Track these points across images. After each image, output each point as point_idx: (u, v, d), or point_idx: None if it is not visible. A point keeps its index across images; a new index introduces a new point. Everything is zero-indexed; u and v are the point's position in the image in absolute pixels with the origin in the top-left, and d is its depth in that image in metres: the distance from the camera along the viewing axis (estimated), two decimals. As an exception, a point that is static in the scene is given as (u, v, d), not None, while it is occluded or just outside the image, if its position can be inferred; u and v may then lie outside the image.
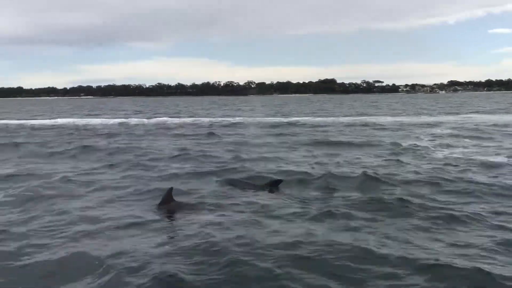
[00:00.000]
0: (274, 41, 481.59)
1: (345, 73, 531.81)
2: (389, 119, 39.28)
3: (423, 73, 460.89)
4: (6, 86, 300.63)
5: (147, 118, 44.68)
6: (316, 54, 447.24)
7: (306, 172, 13.68)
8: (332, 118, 41.91)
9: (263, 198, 10.69)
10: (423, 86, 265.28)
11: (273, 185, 11.72)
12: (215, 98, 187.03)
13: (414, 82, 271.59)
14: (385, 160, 16.41)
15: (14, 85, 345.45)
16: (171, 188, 10.05)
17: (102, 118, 47.68)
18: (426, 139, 23.29)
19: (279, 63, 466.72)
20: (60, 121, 42.95)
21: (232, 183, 12.22)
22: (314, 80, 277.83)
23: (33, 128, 34.89)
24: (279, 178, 12.29)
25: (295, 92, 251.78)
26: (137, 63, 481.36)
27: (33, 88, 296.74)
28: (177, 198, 10.06)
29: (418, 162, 15.61)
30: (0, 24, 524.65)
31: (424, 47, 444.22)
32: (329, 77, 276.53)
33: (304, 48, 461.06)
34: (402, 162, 15.60)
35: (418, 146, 19.93)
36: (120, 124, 38.52)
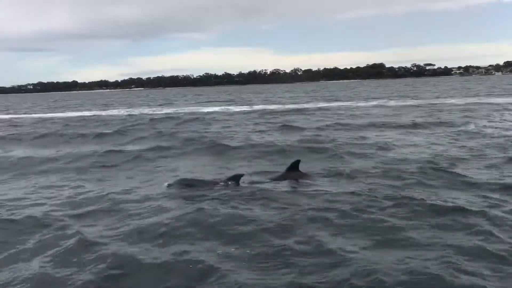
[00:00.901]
0: (320, 27, 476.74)
1: (394, 57, 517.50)
2: None
3: (477, 54, 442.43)
4: (61, 80, 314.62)
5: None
6: (363, 38, 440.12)
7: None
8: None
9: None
10: (477, 68, 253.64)
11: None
12: (266, 86, 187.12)
13: (468, 64, 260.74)
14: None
15: (69, 79, 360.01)
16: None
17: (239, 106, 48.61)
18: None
19: (326, 49, 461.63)
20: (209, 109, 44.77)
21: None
22: (362, 65, 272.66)
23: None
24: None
25: (343, 78, 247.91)
26: (184, 54, 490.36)
27: (87, 81, 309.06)
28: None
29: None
30: (54, 20, 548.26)
31: (478, 27, 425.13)
32: (378, 62, 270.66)
33: (351, 33, 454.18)
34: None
35: None
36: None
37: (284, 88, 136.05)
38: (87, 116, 42.01)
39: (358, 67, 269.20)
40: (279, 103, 51.33)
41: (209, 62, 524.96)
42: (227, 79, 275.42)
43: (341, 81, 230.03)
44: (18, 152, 18.93)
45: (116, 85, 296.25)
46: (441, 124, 22.91)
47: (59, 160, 16.34)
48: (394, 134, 20.02)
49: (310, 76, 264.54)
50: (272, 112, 37.45)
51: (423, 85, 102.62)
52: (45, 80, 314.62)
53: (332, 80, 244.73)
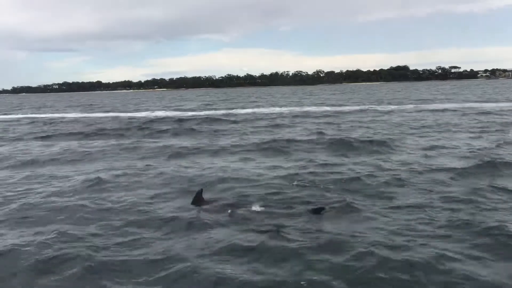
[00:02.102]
0: (343, 29, 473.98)
1: (418, 59, 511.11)
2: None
3: (504, 57, 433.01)
4: (86, 80, 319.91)
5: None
6: (387, 40, 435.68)
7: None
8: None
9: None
10: (504, 71, 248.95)
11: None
12: (287, 88, 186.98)
13: (494, 67, 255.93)
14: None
15: (93, 79, 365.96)
16: None
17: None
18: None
19: (349, 51, 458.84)
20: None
21: None
22: (385, 67, 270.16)
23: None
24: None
25: (365, 81, 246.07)
26: (207, 55, 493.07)
27: (111, 82, 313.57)
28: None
29: None
30: (79, 21, 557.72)
31: (505, 29, 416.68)
32: (401, 64, 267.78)
33: (374, 35, 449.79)
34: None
35: None
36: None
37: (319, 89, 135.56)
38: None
39: (381, 69, 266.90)
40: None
41: (230, 63, 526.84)
42: (249, 80, 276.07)
43: (364, 83, 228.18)
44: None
45: (139, 85, 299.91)
46: None
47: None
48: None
49: (332, 78, 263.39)
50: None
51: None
52: (70, 80, 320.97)
53: (355, 82, 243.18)
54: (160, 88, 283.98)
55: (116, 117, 42.73)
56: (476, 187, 11.35)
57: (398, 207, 9.96)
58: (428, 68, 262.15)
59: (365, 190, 11.58)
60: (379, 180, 12.49)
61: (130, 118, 40.99)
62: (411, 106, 44.78)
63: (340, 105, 50.29)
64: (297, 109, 46.14)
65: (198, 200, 10.76)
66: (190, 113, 44.37)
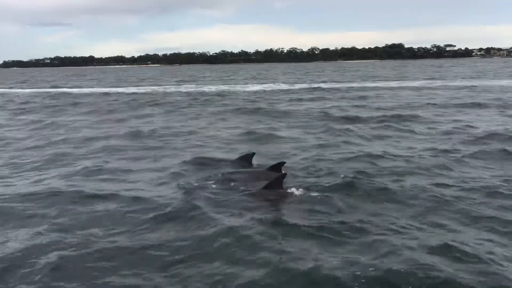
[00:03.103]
0: (338, 5, 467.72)
1: (413, 37, 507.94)
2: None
3: (499, 36, 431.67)
4: (78, 55, 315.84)
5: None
6: (382, 17, 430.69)
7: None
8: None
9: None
10: (499, 49, 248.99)
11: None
12: (284, 65, 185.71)
13: (489, 46, 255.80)
14: None
15: (85, 54, 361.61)
16: None
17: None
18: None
19: (343, 28, 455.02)
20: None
21: None
22: (380, 45, 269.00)
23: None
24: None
25: (360, 58, 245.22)
26: (201, 31, 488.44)
27: (103, 57, 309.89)
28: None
29: None
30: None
31: (501, 7, 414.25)
32: (396, 42, 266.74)
33: (369, 11, 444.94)
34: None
35: None
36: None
37: (314, 67, 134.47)
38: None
39: (376, 47, 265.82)
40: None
41: (224, 40, 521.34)
42: (243, 57, 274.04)
43: (359, 61, 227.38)
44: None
45: (133, 61, 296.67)
46: None
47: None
48: None
49: (327, 55, 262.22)
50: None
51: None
52: (62, 55, 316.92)
53: (350, 60, 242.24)
54: (153, 64, 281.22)
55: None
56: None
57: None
58: (423, 46, 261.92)
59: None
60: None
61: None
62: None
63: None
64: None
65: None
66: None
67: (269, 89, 43.29)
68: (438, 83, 45.40)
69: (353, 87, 43.29)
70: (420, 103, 26.12)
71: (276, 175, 8.82)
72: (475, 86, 38.74)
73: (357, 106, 26.20)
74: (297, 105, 27.63)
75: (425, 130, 16.72)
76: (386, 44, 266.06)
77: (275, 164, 9.90)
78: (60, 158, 13.19)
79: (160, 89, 47.28)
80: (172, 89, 47.01)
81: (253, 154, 11.18)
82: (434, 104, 25.48)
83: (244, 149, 13.41)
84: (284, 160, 10.41)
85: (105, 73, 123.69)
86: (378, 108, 24.45)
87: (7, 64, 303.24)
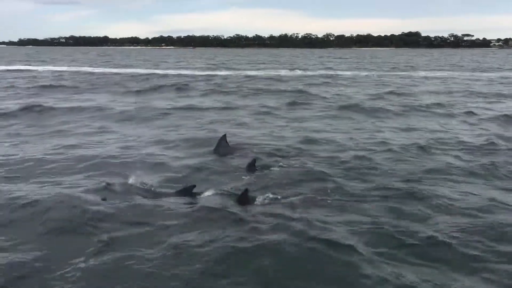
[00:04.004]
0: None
1: (430, 25, 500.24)
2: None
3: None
4: (93, 35, 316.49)
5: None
6: (399, 4, 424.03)
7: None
8: None
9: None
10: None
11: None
12: (298, 51, 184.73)
13: (507, 36, 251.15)
14: None
15: (100, 34, 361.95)
16: None
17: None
18: None
19: (359, 15, 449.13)
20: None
21: None
22: (397, 33, 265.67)
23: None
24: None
25: (375, 46, 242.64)
26: (215, 14, 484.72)
27: (118, 37, 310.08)
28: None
29: None
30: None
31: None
32: (413, 30, 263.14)
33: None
34: None
35: None
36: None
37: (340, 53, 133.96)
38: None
39: (392, 35, 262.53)
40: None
41: (239, 23, 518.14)
42: (257, 42, 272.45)
43: (375, 48, 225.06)
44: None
45: (147, 42, 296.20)
46: None
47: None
48: None
49: (342, 42, 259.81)
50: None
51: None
52: (76, 34, 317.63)
53: (365, 47, 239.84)
54: (167, 46, 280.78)
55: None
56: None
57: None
58: (440, 35, 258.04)
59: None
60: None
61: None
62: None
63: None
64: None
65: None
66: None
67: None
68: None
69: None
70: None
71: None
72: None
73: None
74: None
75: None
76: (403, 32, 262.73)
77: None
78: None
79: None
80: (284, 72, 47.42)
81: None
82: None
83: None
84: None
85: (148, 55, 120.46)
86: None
87: (23, 42, 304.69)
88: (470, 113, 19.13)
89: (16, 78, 36.99)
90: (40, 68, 50.87)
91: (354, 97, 25.58)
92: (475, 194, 8.59)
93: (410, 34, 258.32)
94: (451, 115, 18.95)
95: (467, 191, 8.85)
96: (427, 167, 10.51)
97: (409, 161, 11.14)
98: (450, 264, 5.98)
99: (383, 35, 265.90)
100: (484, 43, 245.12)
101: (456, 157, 11.55)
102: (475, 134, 14.85)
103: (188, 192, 8.48)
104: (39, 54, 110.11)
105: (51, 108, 19.85)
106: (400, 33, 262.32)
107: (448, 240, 6.56)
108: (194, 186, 8.62)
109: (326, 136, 14.18)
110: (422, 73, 46.83)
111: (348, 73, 47.61)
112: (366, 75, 44.17)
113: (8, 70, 47.03)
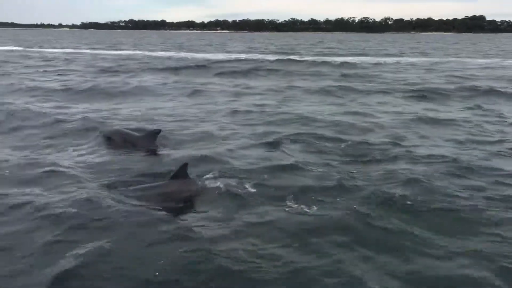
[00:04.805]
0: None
1: (497, 9, 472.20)
2: None
3: None
4: (151, 19, 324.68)
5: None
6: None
7: None
8: None
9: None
10: None
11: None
12: (352, 35, 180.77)
13: None
14: None
15: (158, 18, 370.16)
16: None
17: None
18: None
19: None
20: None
21: None
22: (460, 16, 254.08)
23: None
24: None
25: (436, 30, 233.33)
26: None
27: (174, 21, 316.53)
28: None
29: None
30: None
31: None
32: (477, 14, 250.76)
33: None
34: None
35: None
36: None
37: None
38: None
39: (454, 19, 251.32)
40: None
41: (294, 7, 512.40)
42: (313, 26, 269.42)
43: (436, 33, 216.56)
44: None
45: (203, 26, 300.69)
46: None
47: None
48: None
49: (400, 26, 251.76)
50: None
51: None
52: (135, 18, 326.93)
53: (425, 32, 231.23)
54: (223, 29, 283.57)
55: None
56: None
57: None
58: (507, 20, 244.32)
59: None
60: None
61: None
62: None
63: None
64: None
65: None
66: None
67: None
68: None
69: None
70: None
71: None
72: None
73: None
74: None
75: None
76: (466, 16, 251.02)
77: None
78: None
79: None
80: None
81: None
82: None
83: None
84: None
85: (214, 39, 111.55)
86: None
87: (85, 26, 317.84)
88: None
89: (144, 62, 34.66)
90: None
91: None
92: None
93: (474, 18, 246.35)
94: None
95: None
96: None
97: None
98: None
99: (444, 19, 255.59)
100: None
101: None
102: None
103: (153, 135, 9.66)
104: (127, 39, 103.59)
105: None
106: (463, 17, 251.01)
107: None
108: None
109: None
110: None
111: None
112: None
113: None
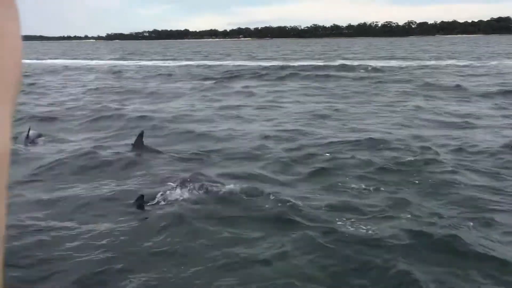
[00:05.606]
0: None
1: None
2: None
3: None
4: (174, 28, 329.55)
5: None
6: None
7: None
8: None
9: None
10: None
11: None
12: (377, 40, 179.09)
13: None
14: None
15: (180, 27, 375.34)
16: None
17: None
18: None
19: (443, 0, 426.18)
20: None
21: None
22: (485, 18, 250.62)
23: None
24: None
25: (462, 33, 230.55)
26: (292, 4, 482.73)
27: (197, 30, 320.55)
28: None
29: None
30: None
31: None
32: (504, 15, 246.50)
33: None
34: None
35: None
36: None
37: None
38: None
39: (480, 21, 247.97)
40: None
41: (316, 13, 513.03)
42: (335, 31, 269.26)
43: (461, 35, 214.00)
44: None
45: (225, 34, 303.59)
46: None
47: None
48: None
49: (424, 29, 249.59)
50: None
51: None
52: (159, 28, 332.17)
53: (450, 34, 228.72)
54: (245, 37, 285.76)
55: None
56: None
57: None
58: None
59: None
60: None
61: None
62: None
63: None
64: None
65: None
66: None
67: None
68: None
69: None
70: None
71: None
72: None
73: None
74: None
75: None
76: (492, 18, 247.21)
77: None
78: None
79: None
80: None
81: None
82: None
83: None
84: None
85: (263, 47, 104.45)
86: None
87: (110, 37, 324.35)
88: None
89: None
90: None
91: None
92: None
93: (500, 20, 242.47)
94: None
95: None
96: None
97: None
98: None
99: (470, 21, 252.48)
100: None
101: None
102: None
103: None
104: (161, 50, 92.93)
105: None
106: (489, 19, 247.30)
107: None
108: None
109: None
110: None
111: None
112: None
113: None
